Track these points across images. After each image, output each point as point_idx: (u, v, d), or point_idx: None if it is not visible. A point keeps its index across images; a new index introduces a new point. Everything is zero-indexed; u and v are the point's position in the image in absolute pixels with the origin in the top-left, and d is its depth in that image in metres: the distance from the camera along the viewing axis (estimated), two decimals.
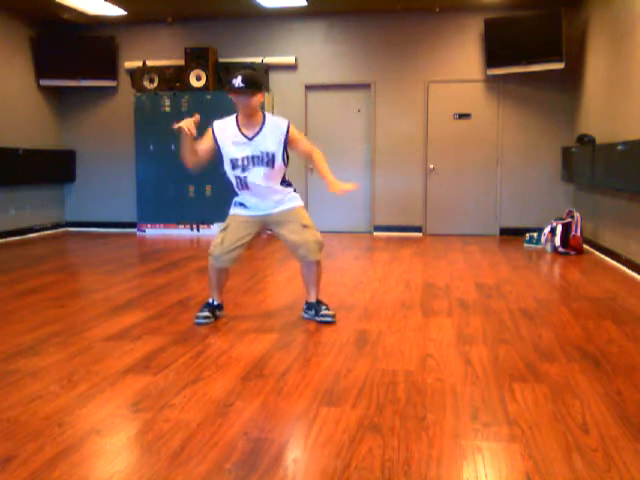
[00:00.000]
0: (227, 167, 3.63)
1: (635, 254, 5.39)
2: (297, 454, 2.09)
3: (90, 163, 8.88)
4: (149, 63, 8.39)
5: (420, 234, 8.20)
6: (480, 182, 8.10)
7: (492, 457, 2.07)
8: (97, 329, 3.65)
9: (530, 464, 2.01)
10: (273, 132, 3.54)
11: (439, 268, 5.72)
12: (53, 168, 8.61)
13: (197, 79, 8.17)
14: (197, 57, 8.11)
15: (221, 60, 8.30)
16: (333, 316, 3.76)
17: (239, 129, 3.55)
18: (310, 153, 3.70)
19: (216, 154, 3.65)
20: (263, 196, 3.62)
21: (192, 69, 8.14)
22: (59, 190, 8.93)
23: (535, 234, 7.03)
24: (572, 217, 6.68)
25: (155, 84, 8.34)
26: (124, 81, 8.63)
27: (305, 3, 7.48)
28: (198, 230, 8.33)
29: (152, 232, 8.44)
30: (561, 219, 6.77)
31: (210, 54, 8.10)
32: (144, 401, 2.55)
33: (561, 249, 6.57)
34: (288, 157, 3.63)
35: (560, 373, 2.87)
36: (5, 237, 7.73)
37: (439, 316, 3.95)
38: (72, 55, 8.35)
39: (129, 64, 8.52)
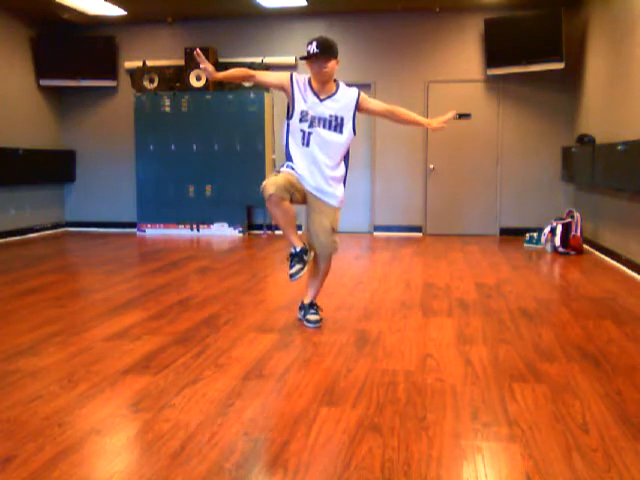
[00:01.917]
0: (295, 119, 3.47)
1: (635, 254, 5.39)
2: (297, 454, 2.09)
3: (90, 163, 8.88)
4: (149, 63, 8.39)
5: (420, 234, 8.20)
6: (480, 182, 8.10)
7: (492, 457, 2.07)
8: (97, 329, 3.65)
9: (530, 464, 2.01)
10: (344, 98, 3.50)
11: (439, 268, 5.72)
12: (53, 168, 8.61)
13: (197, 79, 8.18)
14: None
15: (221, 60, 8.29)
16: (316, 322, 3.67)
17: (312, 90, 3.46)
18: (389, 109, 3.62)
19: (288, 106, 3.53)
20: (317, 164, 3.47)
21: (192, 69, 8.14)
22: (59, 190, 8.93)
23: (535, 234, 7.04)
24: (572, 217, 6.68)
25: (155, 84, 8.34)
26: (124, 81, 8.64)
27: (305, 3, 7.48)
28: (198, 230, 8.33)
29: (152, 232, 8.44)
30: (561, 219, 6.77)
31: (210, 54, 8.09)
32: (144, 401, 2.55)
33: (561, 249, 6.57)
34: (355, 129, 3.56)
35: (560, 373, 2.87)
36: (5, 237, 7.73)
37: (439, 316, 3.95)
38: (72, 55, 8.35)
39: (129, 64, 8.52)
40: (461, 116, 7.86)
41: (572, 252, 6.52)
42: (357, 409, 2.45)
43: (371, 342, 3.38)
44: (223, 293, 4.63)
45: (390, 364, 3.01)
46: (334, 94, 3.49)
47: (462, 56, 7.98)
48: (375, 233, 8.32)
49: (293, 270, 3.48)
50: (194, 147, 8.22)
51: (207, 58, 8.06)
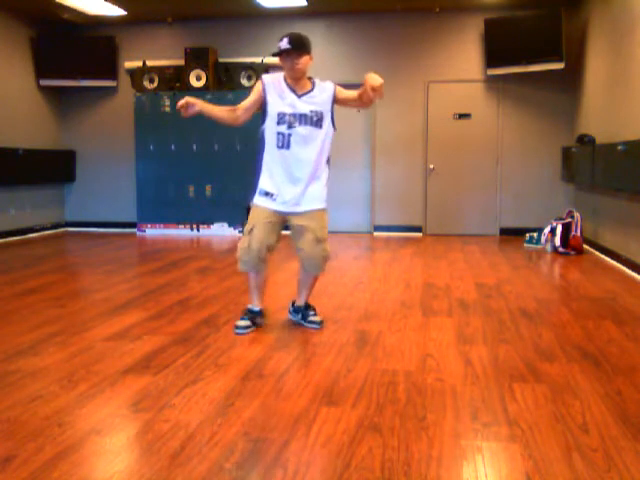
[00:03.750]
0: (270, 123, 3.42)
1: (635, 254, 5.39)
2: (297, 454, 2.09)
3: (90, 163, 8.88)
4: (149, 63, 8.39)
5: (420, 234, 8.20)
6: (480, 182, 8.10)
7: (492, 457, 2.07)
8: (97, 329, 3.65)
9: (530, 464, 2.01)
10: (322, 93, 3.44)
11: (439, 268, 5.72)
12: (53, 168, 8.60)
13: (197, 79, 8.17)
14: (197, 57, 8.11)
15: (221, 60, 8.29)
16: (320, 323, 3.68)
17: (288, 87, 3.41)
18: (358, 94, 3.42)
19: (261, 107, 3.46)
20: (299, 167, 3.41)
21: (192, 69, 8.14)
22: (59, 190, 8.93)
23: (535, 234, 7.03)
24: (572, 217, 6.68)
25: (155, 84, 8.34)
26: (124, 81, 8.64)
27: (305, 3, 7.48)
28: (198, 230, 8.33)
29: (152, 232, 8.44)
30: (561, 219, 6.77)
31: (210, 54, 8.10)
32: (144, 401, 2.55)
33: (561, 249, 6.57)
34: (334, 124, 3.49)
35: (560, 373, 2.87)
36: (5, 237, 7.73)
37: (439, 316, 3.95)
38: (72, 55, 8.35)
39: (129, 64, 8.52)
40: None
41: (572, 252, 6.52)
42: (357, 409, 2.45)
43: (371, 342, 3.38)
44: (223, 293, 4.63)
45: (390, 364, 3.01)
46: (311, 91, 3.43)
47: (462, 56, 7.97)
48: (375, 233, 8.31)
49: (240, 324, 3.54)
50: (194, 147, 8.22)
51: (207, 58, 8.08)
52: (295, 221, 3.51)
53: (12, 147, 7.75)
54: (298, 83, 3.41)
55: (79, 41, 8.45)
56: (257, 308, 3.65)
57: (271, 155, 3.46)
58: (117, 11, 7.76)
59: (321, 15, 8.12)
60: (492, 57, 7.65)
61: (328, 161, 3.57)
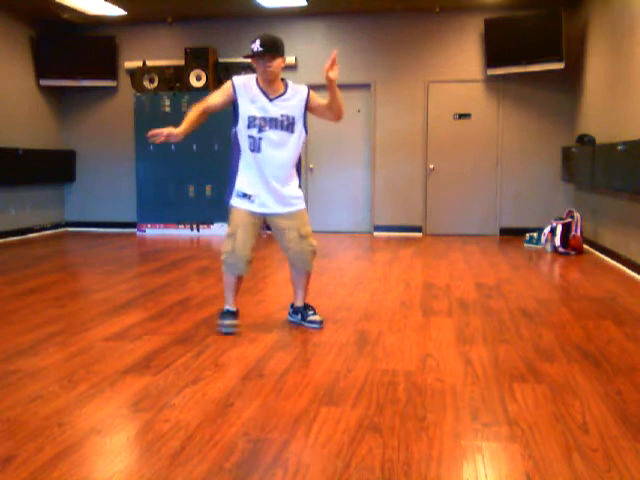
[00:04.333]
0: (241, 126, 3.39)
1: (635, 254, 5.39)
2: (297, 454, 2.09)
3: (90, 163, 8.88)
4: (149, 63, 8.39)
5: (420, 234, 8.20)
6: (480, 182, 8.10)
7: (492, 457, 2.07)
8: (97, 329, 3.65)
9: (530, 464, 2.01)
10: (295, 97, 3.41)
11: (439, 268, 5.72)
12: (53, 168, 8.60)
13: (197, 79, 8.18)
14: (197, 57, 8.12)
15: (221, 60, 8.29)
16: (320, 322, 3.67)
17: (260, 89, 3.38)
18: (326, 103, 3.43)
19: (232, 110, 3.42)
20: (272, 170, 3.39)
21: (192, 69, 8.14)
22: (59, 190, 8.93)
23: (535, 234, 7.03)
24: (572, 217, 6.68)
25: (155, 84, 8.34)
26: (124, 81, 8.64)
27: (305, 3, 7.48)
28: (198, 230, 8.33)
29: (152, 232, 8.44)
30: (561, 219, 6.77)
31: (210, 54, 8.10)
32: (144, 401, 2.55)
33: (561, 249, 6.57)
34: (306, 127, 3.48)
35: (560, 373, 2.87)
36: (5, 237, 7.73)
37: (439, 316, 3.95)
38: (72, 55, 8.35)
39: (129, 64, 8.53)
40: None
41: (572, 252, 6.52)
42: (357, 409, 2.45)
43: (371, 342, 3.38)
44: (223, 293, 4.62)
45: (390, 364, 3.01)
46: (283, 94, 3.40)
47: (462, 56, 7.97)
48: (375, 233, 8.31)
49: (228, 323, 3.55)
50: (194, 147, 8.21)
51: (207, 58, 8.08)
52: (276, 222, 3.53)
53: (12, 147, 7.75)
54: (271, 86, 3.38)
55: (79, 41, 8.45)
56: (234, 309, 3.65)
57: (245, 157, 3.45)
58: (117, 11, 7.76)
59: (321, 15, 8.13)
60: (492, 57, 7.65)
61: (297, 166, 3.56)
